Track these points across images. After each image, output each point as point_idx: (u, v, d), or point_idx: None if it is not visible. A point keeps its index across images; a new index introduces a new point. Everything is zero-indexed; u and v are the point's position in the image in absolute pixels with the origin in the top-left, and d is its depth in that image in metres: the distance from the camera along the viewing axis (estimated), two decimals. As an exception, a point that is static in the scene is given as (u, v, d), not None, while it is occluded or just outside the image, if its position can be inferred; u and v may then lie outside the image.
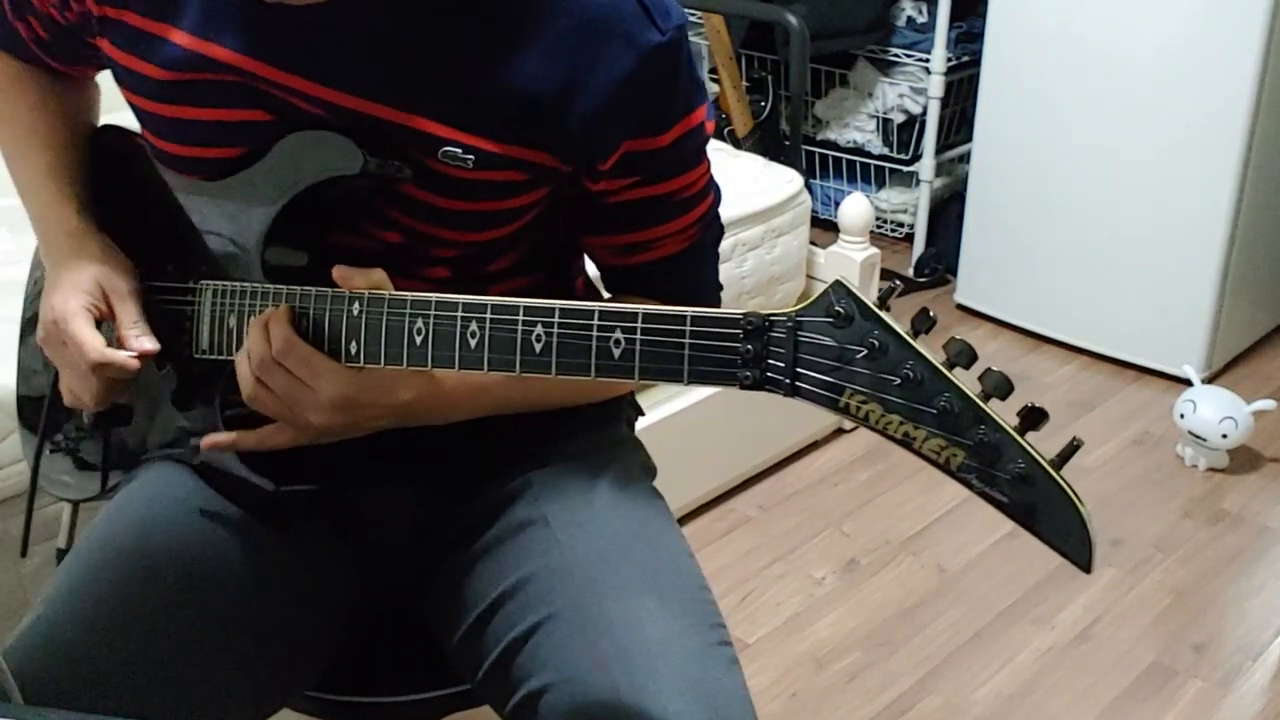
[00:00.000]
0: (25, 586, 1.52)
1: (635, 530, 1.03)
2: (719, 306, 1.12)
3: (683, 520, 2.25)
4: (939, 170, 3.29)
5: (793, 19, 2.58)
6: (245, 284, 0.98)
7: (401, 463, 1.09)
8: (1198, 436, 2.45)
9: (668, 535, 1.06)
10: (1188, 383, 2.57)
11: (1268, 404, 2.43)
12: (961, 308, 3.12)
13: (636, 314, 0.81)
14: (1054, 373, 2.87)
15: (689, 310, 0.80)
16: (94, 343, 1.00)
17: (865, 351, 0.73)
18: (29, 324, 1.20)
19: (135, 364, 1.00)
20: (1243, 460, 2.52)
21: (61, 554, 1.26)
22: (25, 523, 1.19)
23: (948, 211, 3.31)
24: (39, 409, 1.16)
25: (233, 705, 0.98)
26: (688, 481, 2.25)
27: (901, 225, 3.49)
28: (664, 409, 2.16)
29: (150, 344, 1.02)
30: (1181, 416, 2.47)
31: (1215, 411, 2.42)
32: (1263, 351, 2.97)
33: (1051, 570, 2.16)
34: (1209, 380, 2.72)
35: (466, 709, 1.12)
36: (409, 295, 0.89)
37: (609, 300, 1.12)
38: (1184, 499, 2.41)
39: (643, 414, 1.26)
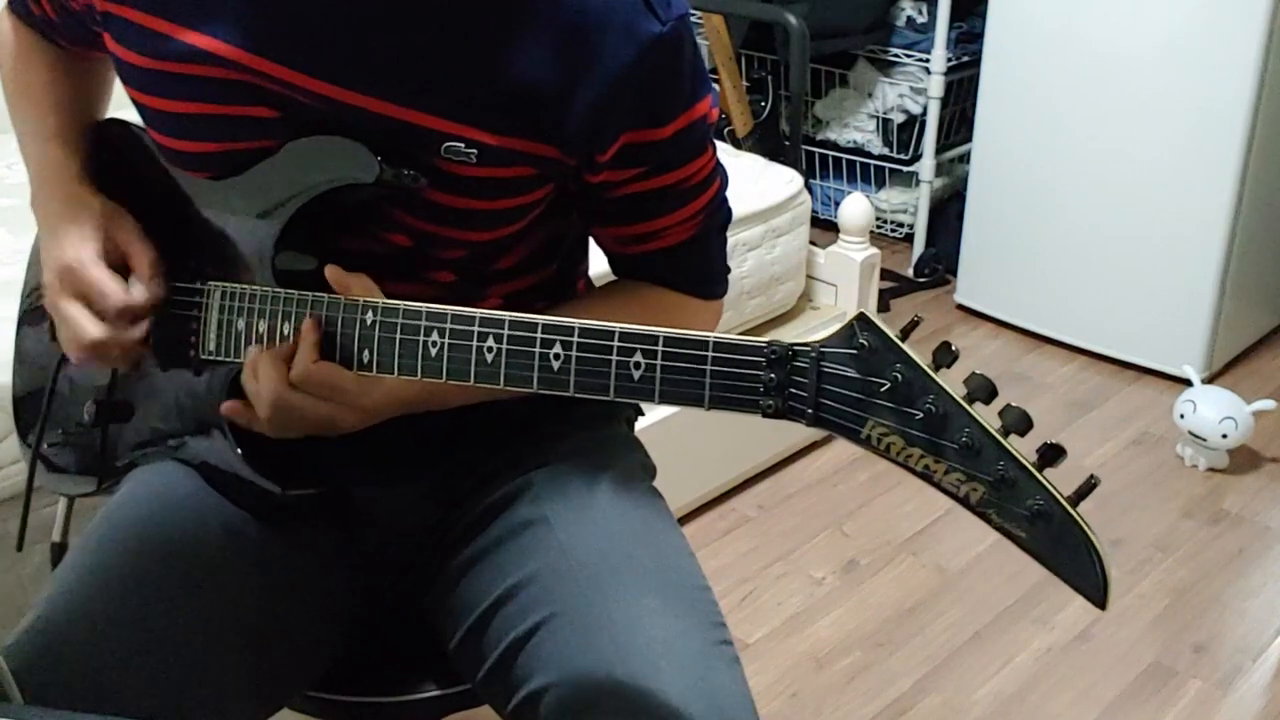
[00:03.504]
0: (25, 586, 1.52)
1: (636, 530, 1.03)
2: (726, 290, 1.12)
3: (683, 520, 2.25)
4: (939, 170, 3.29)
5: (793, 19, 2.58)
6: (254, 287, 0.98)
7: (403, 464, 1.09)
8: (1198, 436, 2.45)
9: (669, 535, 1.06)
10: (1188, 383, 2.57)
11: (1268, 404, 2.43)
12: (961, 308, 3.12)
13: (658, 337, 0.80)
14: (1054, 373, 2.87)
15: (711, 336, 0.79)
16: (116, 287, 1.00)
17: (888, 384, 0.74)
18: (27, 315, 1.19)
19: (154, 303, 1.00)
20: (1243, 460, 2.52)
21: (56, 548, 1.26)
22: (23, 516, 1.19)
23: (948, 211, 3.31)
24: (34, 405, 1.16)
25: (233, 705, 0.98)
26: (688, 481, 2.25)
27: (901, 225, 3.49)
28: (664, 409, 2.15)
29: (161, 288, 1.01)
30: (1181, 416, 2.47)
31: (1215, 411, 2.42)
32: (1263, 351, 2.97)
33: (1051, 570, 2.16)
34: (1209, 380, 2.72)
35: (467, 709, 1.12)
36: (424, 307, 0.89)
37: (613, 283, 1.12)
38: (1184, 499, 2.41)
39: (642, 414, 1.26)
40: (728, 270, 1.14)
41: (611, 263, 1.12)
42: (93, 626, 0.94)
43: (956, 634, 2.03)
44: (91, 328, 1.00)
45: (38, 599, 0.99)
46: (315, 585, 1.06)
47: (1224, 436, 2.42)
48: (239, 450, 0.99)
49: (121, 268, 1.03)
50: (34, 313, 1.17)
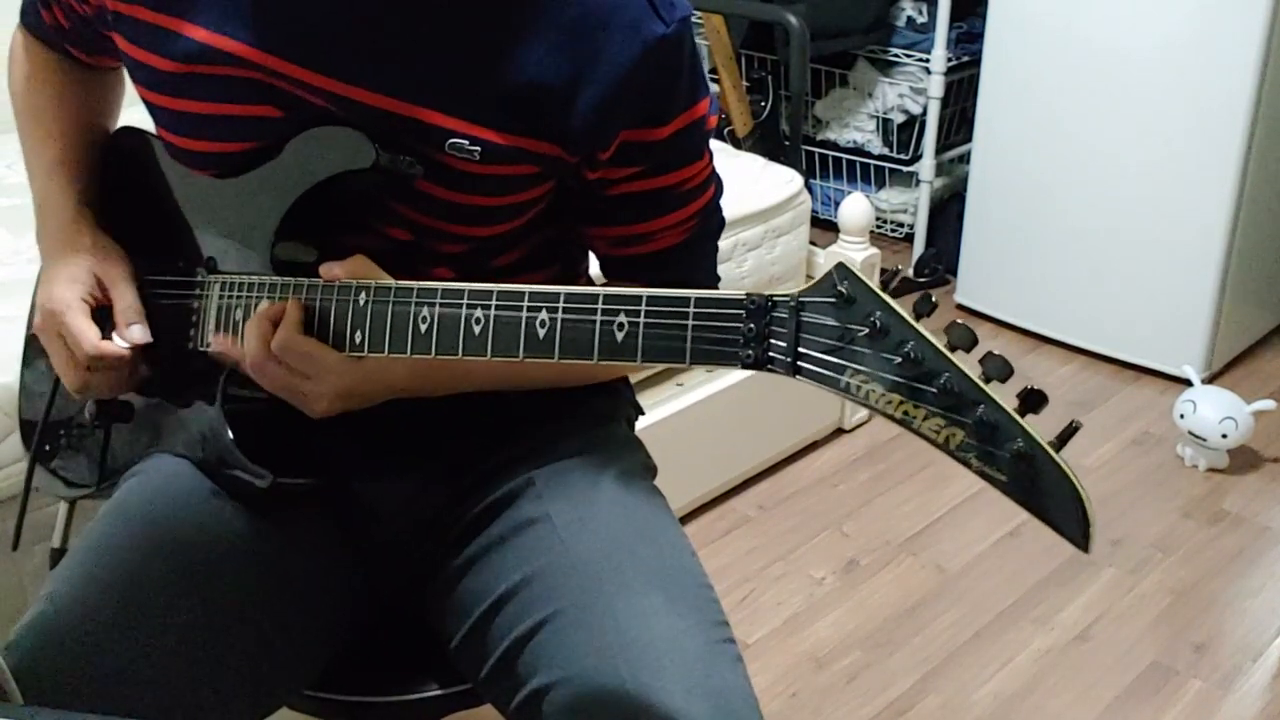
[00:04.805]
0: (25, 586, 1.52)
1: (639, 528, 1.04)
2: None
3: (683, 520, 2.24)
4: (939, 170, 3.29)
5: (793, 19, 2.58)
6: (253, 277, 0.99)
7: (402, 459, 1.09)
8: (1197, 436, 2.45)
9: (671, 533, 1.06)
10: (1188, 383, 2.57)
11: (1267, 404, 2.43)
12: (961, 308, 3.12)
13: (640, 297, 0.81)
14: (1054, 373, 2.87)
15: (692, 292, 0.80)
16: (90, 335, 1.02)
17: (867, 331, 0.73)
18: (35, 341, 1.20)
19: (128, 353, 1.03)
20: (1243, 460, 2.52)
21: (55, 553, 1.26)
22: (19, 514, 1.19)
23: (948, 211, 3.31)
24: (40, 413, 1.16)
25: (232, 702, 0.98)
26: (688, 481, 2.25)
27: (901, 225, 3.49)
28: (664, 409, 2.16)
29: (141, 334, 1.04)
30: (1181, 416, 2.47)
31: (1215, 411, 2.42)
32: (1263, 351, 2.97)
33: (1051, 570, 2.16)
34: (1209, 380, 2.72)
35: (468, 708, 1.12)
36: (414, 284, 0.90)
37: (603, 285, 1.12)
38: (1184, 499, 2.41)
39: (643, 413, 1.26)
40: (718, 278, 1.15)
41: (602, 266, 1.12)
42: (92, 625, 0.94)
43: (956, 634, 2.03)
44: (69, 373, 1.05)
45: (37, 597, 0.99)
46: (315, 583, 1.06)
47: (1224, 436, 2.42)
48: (231, 437, 0.99)
49: (109, 309, 1.06)
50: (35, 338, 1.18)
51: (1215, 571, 2.20)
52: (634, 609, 0.95)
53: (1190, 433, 2.46)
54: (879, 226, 3.49)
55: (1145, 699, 1.89)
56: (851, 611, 2.08)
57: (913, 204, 3.36)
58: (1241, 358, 2.92)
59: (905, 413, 0.73)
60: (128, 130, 1.16)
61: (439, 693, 1.10)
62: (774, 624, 2.04)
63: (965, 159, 3.23)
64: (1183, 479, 2.47)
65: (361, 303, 0.92)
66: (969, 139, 3.08)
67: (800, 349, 0.76)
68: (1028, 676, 1.94)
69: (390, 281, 0.91)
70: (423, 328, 0.89)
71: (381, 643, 1.14)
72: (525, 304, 0.85)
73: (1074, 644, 2.01)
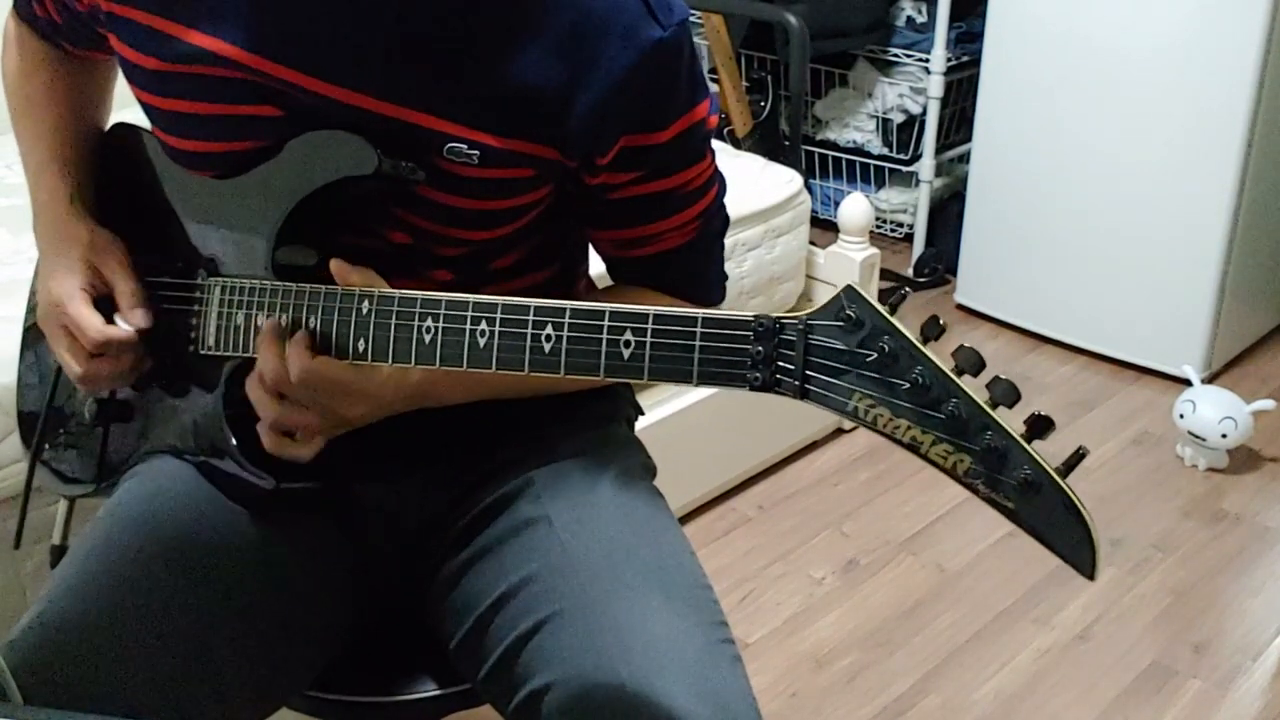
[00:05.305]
0: (24, 586, 1.52)
1: (638, 529, 1.04)
2: (724, 297, 1.13)
3: (683, 520, 2.25)
4: (939, 170, 3.29)
5: (793, 19, 2.58)
6: (254, 281, 0.98)
7: (402, 460, 1.09)
8: (1197, 436, 2.45)
9: (670, 534, 1.06)
10: (1187, 383, 2.57)
11: (1267, 404, 2.43)
12: (961, 308, 3.12)
13: (647, 315, 0.81)
14: (1054, 373, 2.87)
15: (700, 311, 0.80)
16: (94, 322, 1.03)
17: (875, 356, 0.74)
18: (29, 333, 1.20)
19: (133, 335, 1.03)
20: (1242, 460, 2.52)
21: (56, 550, 1.26)
22: (20, 513, 1.19)
23: (947, 211, 3.31)
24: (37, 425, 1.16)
25: (233, 703, 0.98)
26: (688, 481, 2.25)
27: (901, 225, 3.49)
28: (664, 409, 2.16)
29: (144, 318, 1.04)
30: (1181, 416, 2.47)
31: (1215, 411, 2.42)
32: (1262, 351, 2.97)
33: (1051, 570, 2.16)
34: (1209, 380, 2.72)
35: (467, 709, 1.12)
36: (419, 294, 0.89)
37: (610, 288, 1.12)
38: (1184, 499, 2.41)
39: (643, 414, 1.26)
40: (725, 276, 1.14)
41: (609, 267, 1.12)
42: (92, 625, 0.94)
43: (956, 634, 2.03)
44: (74, 364, 1.05)
45: (37, 597, 0.99)
46: (315, 583, 1.06)
47: (1224, 436, 2.42)
48: (234, 443, 0.99)
49: (109, 298, 1.06)
50: (35, 329, 1.18)
51: (1215, 571, 2.20)
52: (633, 609, 0.95)
53: (1190, 433, 2.46)
54: (879, 226, 3.49)
55: (1145, 699, 1.89)
56: (851, 611, 2.08)
57: (912, 204, 3.36)
58: (1241, 358, 2.92)
59: (913, 438, 0.73)
60: (125, 127, 1.16)
61: (438, 693, 1.10)
62: (774, 624, 2.04)
63: (965, 159, 3.24)
64: (1183, 479, 2.47)
65: (364, 311, 0.91)
66: (969, 139, 3.08)
67: (808, 372, 0.76)
68: (1028, 676, 1.94)
69: (393, 291, 0.91)
70: (426, 338, 0.89)
71: (381, 643, 1.14)
72: (530, 318, 0.84)
73: (1074, 644, 2.01)
